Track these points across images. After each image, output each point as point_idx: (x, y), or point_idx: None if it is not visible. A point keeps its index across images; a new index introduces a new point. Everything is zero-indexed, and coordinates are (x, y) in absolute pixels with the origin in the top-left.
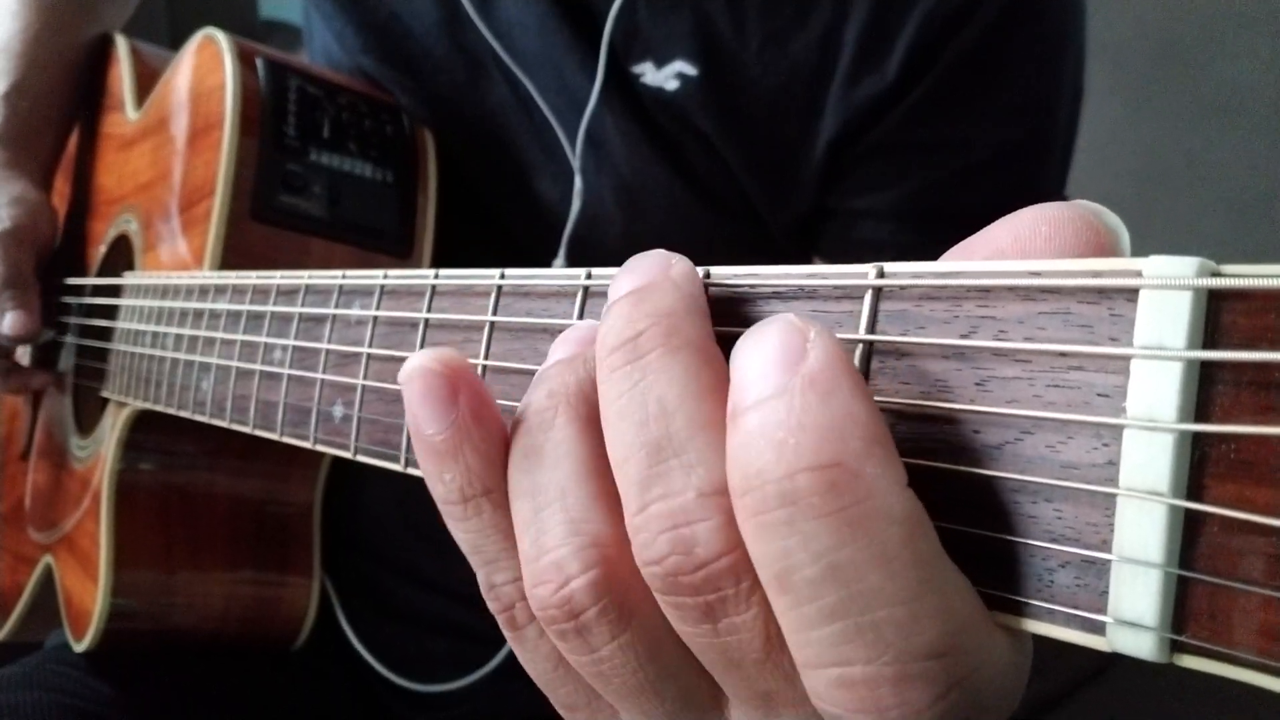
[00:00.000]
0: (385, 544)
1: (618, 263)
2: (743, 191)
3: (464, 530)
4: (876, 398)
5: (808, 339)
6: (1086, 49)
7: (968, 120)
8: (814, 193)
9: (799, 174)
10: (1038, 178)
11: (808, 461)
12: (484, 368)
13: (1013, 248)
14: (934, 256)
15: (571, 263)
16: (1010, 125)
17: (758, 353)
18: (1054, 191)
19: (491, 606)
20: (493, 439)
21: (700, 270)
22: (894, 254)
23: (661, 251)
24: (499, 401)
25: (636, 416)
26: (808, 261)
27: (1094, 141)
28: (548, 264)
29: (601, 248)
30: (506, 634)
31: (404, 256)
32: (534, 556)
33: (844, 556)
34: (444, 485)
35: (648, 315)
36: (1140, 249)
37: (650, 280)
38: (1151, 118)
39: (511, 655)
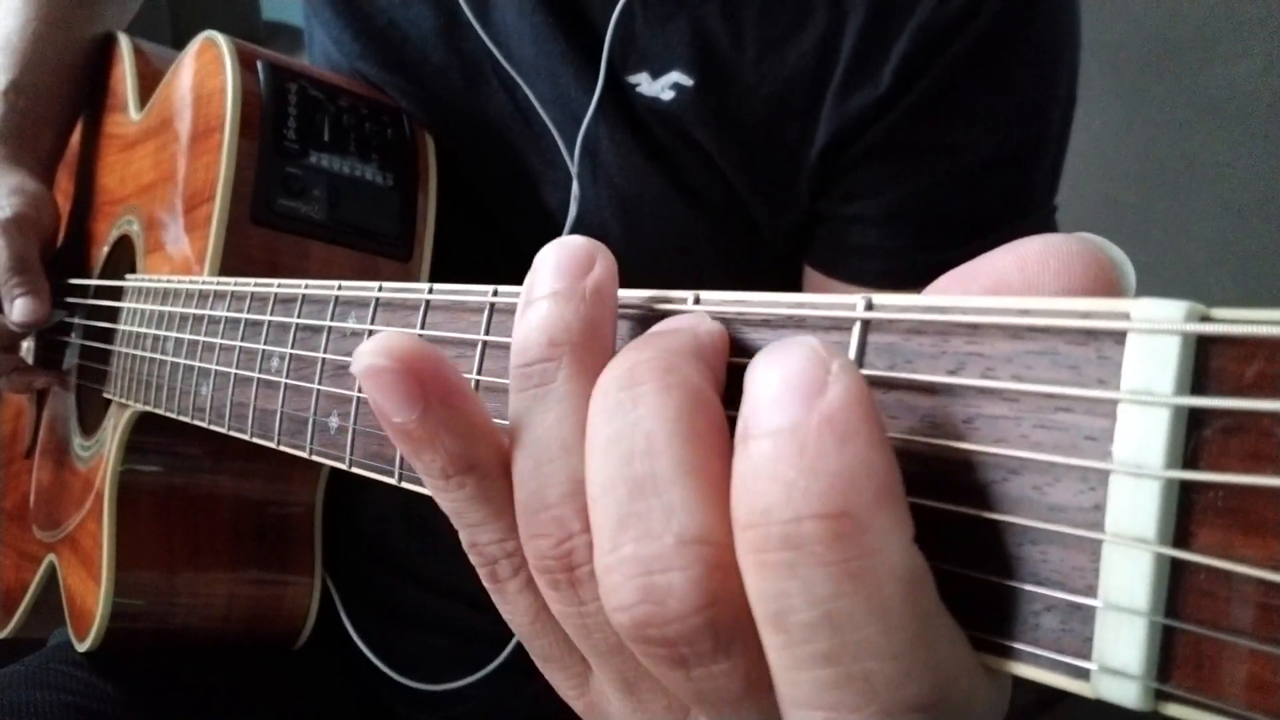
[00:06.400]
0: (387, 543)
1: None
2: (739, 200)
3: (446, 500)
4: None
5: (830, 371)
6: (1082, 51)
7: (958, 125)
8: (808, 199)
9: (795, 181)
10: (1028, 184)
11: (815, 509)
12: (477, 383)
13: (1019, 279)
14: (923, 261)
15: None
16: (1001, 131)
17: (775, 375)
18: (1044, 199)
19: (473, 560)
20: (469, 418)
21: (690, 294)
22: (884, 260)
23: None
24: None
25: (622, 448)
26: (800, 270)
27: (1092, 143)
28: None
29: None
30: (487, 585)
31: (404, 260)
32: (535, 509)
33: (842, 606)
34: (423, 464)
35: (652, 348)
36: (1138, 250)
37: (674, 325)
38: (1149, 119)
39: (514, 655)
